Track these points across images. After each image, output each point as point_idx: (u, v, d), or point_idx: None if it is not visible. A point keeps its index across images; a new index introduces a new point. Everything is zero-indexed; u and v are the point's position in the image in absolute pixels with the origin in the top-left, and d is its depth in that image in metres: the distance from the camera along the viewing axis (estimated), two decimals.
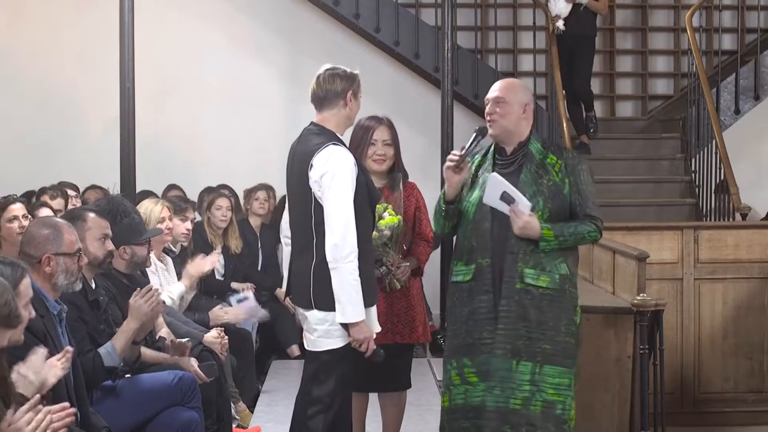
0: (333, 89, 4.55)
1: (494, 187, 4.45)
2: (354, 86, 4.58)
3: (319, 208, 4.43)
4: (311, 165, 4.44)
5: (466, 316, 4.56)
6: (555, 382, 4.44)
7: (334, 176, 4.39)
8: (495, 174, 4.48)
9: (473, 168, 4.65)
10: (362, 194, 4.47)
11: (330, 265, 4.38)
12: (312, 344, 4.56)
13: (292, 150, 4.62)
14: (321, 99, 4.58)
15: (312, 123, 4.62)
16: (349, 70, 4.63)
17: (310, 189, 4.45)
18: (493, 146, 4.68)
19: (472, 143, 4.55)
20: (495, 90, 4.60)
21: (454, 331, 4.63)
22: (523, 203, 4.41)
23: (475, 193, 4.56)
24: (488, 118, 4.57)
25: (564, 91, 8.98)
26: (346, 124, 4.65)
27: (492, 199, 4.46)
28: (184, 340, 5.19)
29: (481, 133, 4.58)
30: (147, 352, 4.93)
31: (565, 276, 4.48)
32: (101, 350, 4.42)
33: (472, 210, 4.55)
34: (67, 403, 3.40)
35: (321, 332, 4.50)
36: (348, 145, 5.06)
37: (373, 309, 4.60)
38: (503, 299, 4.45)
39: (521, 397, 4.42)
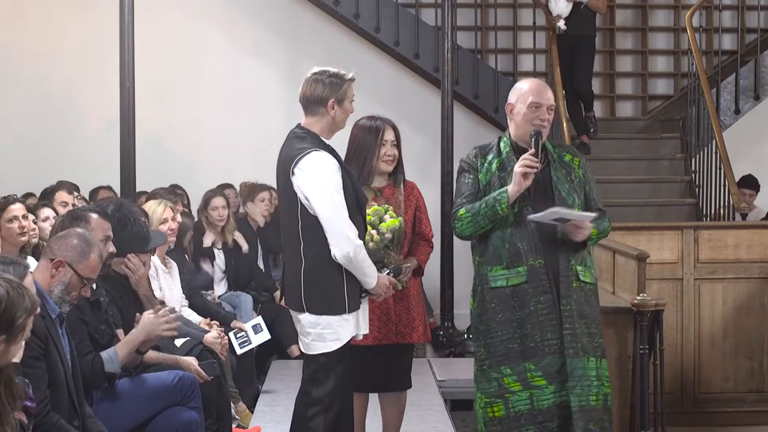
0: (314, 96, 4.54)
1: (552, 214, 4.42)
2: (338, 94, 4.52)
3: (306, 213, 4.45)
4: (293, 172, 4.46)
5: (520, 319, 4.45)
6: (605, 375, 4.52)
7: (320, 186, 4.42)
8: (558, 209, 4.42)
9: (493, 168, 4.57)
10: (350, 199, 4.49)
11: (346, 267, 4.45)
12: (306, 347, 4.59)
13: (280, 153, 4.62)
14: (304, 104, 4.59)
15: (298, 125, 4.62)
16: (339, 74, 4.56)
17: (295, 194, 4.47)
18: (504, 146, 4.60)
19: (539, 147, 4.47)
20: (547, 97, 4.54)
21: (501, 337, 4.49)
22: (586, 216, 4.47)
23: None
24: (543, 124, 4.50)
25: (564, 91, 8.98)
26: (332, 129, 4.61)
27: (542, 218, 4.44)
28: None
29: (540, 135, 4.51)
30: (147, 353, 4.93)
31: (595, 273, 4.64)
32: (104, 354, 4.43)
33: (511, 213, 4.47)
34: None
35: (314, 336, 4.52)
36: (347, 147, 5.10)
37: (361, 312, 4.61)
38: (563, 299, 4.43)
39: (595, 393, 4.45)
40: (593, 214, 4.50)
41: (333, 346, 4.50)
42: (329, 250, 4.43)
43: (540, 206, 4.44)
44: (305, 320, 4.52)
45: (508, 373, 4.47)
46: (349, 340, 4.58)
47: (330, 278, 4.47)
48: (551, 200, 4.46)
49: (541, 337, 4.43)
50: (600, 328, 4.55)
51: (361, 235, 4.54)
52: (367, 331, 4.72)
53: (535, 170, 4.40)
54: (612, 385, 5.39)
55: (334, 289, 4.48)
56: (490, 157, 4.60)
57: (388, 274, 4.80)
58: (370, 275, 4.53)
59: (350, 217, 4.46)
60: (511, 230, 4.47)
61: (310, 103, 4.55)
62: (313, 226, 4.45)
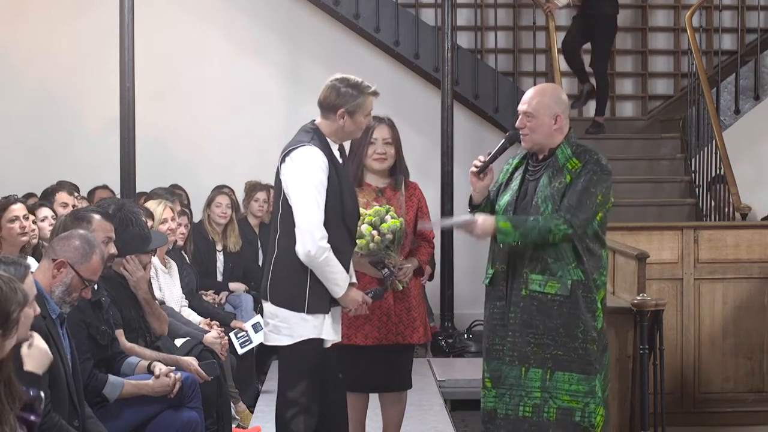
0: (326, 102, 4.55)
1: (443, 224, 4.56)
2: (350, 105, 4.50)
3: (285, 203, 4.47)
4: (283, 160, 4.49)
5: (487, 320, 4.59)
6: (570, 389, 4.37)
7: (301, 179, 4.42)
8: (441, 221, 4.59)
9: (510, 170, 4.61)
10: (334, 205, 4.46)
11: (306, 265, 4.42)
12: (265, 337, 4.65)
13: None
14: (319, 105, 4.61)
15: (311, 121, 4.64)
16: (361, 86, 4.54)
17: (281, 182, 4.50)
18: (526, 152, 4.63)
19: (498, 149, 4.52)
20: (524, 102, 4.50)
21: (484, 334, 4.64)
22: (460, 217, 4.47)
23: (506, 198, 4.52)
24: (520, 131, 4.50)
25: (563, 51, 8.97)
26: (343, 137, 4.61)
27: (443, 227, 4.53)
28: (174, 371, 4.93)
29: (509, 139, 4.54)
30: (146, 353, 4.94)
31: (579, 282, 4.38)
32: (111, 378, 4.47)
33: (499, 215, 4.50)
34: None
35: (271, 327, 4.54)
36: (351, 150, 5.12)
37: (331, 318, 4.56)
38: (511, 306, 4.44)
39: (531, 404, 4.39)
40: (462, 216, 4.48)
41: (285, 341, 4.49)
42: None
43: (521, 211, 4.45)
44: (266, 309, 4.56)
45: (484, 369, 4.57)
46: (319, 344, 4.52)
47: (294, 273, 4.46)
48: (530, 205, 4.44)
49: (493, 341, 4.51)
50: (562, 341, 4.35)
51: (345, 246, 4.52)
52: (337, 339, 4.64)
53: (476, 170, 4.49)
54: (612, 385, 5.41)
55: (296, 285, 4.46)
56: (516, 160, 4.65)
57: (384, 273, 4.84)
58: (335, 283, 4.46)
59: (331, 223, 4.42)
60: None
61: (323, 107, 4.57)
62: (290, 217, 4.45)
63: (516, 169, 4.60)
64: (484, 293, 4.62)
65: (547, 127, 4.45)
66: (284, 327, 4.48)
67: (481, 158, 4.51)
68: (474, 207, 4.60)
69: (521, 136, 4.51)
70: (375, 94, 4.57)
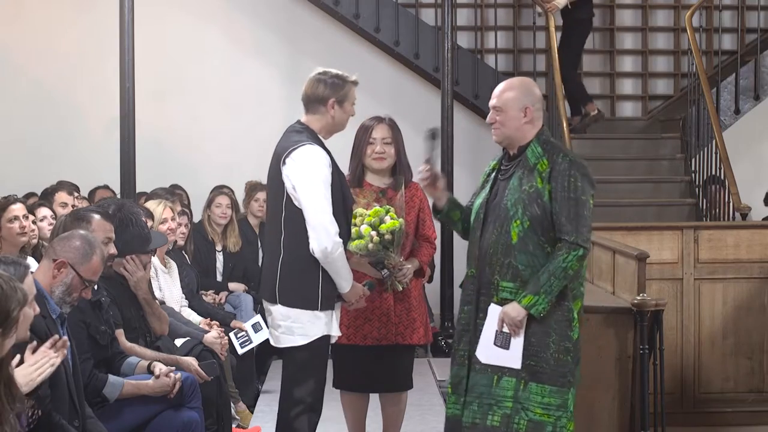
0: (315, 95, 4.58)
1: (488, 348, 4.33)
2: (339, 95, 4.57)
3: (290, 203, 4.48)
4: (284, 161, 4.49)
5: (457, 323, 4.53)
6: (543, 402, 4.24)
7: (309, 177, 4.44)
8: (477, 355, 4.37)
9: (488, 171, 4.55)
10: (336, 199, 4.50)
11: (321, 262, 4.44)
12: (275, 340, 4.62)
13: (276, 146, 4.65)
14: (305, 102, 4.64)
15: (298, 121, 4.66)
16: (342, 75, 4.61)
17: (283, 184, 4.49)
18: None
19: (428, 149, 4.51)
20: (494, 97, 4.44)
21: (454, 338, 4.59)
22: (493, 316, 4.30)
23: (478, 200, 4.47)
24: (492, 126, 4.44)
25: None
26: (332, 129, 4.65)
27: (496, 352, 4.32)
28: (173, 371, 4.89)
29: (432, 135, 4.53)
30: (146, 353, 4.94)
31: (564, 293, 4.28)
32: (111, 378, 4.46)
33: (473, 217, 4.48)
34: None
35: (284, 328, 4.53)
36: (352, 150, 5.13)
37: (335, 314, 4.59)
38: (481, 312, 4.35)
39: (501, 414, 4.26)
40: (493, 318, 4.28)
41: (300, 341, 4.50)
42: (309, 244, 4.44)
43: (491, 211, 4.39)
44: (276, 312, 4.54)
45: (450, 375, 4.49)
46: (328, 341, 4.57)
47: (306, 272, 4.48)
48: (499, 207, 4.37)
49: (457, 346, 4.45)
50: (534, 350, 4.24)
51: (344, 237, 4.55)
52: (339, 334, 4.68)
53: (425, 178, 4.46)
54: (611, 385, 5.41)
55: (309, 284, 4.48)
56: (493, 162, 4.60)
57: (384, 273, 4.84)
58: (345, 278, 4.53)
59: (334, 216, 4.47)
60: (471, 235, 4.49)
61: (311, 101, 4.60)
62: (296, 218, 4.47)
63: (493, 171, 4.54)
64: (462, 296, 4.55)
65: (516, 120, 4.37)
66: (297, 327, 4.50)
67: (422, 167, 4.48)
68: (438, 212, 4.58)
69: (492, 130, 4.44)
70: (356, 83, 4.64)
